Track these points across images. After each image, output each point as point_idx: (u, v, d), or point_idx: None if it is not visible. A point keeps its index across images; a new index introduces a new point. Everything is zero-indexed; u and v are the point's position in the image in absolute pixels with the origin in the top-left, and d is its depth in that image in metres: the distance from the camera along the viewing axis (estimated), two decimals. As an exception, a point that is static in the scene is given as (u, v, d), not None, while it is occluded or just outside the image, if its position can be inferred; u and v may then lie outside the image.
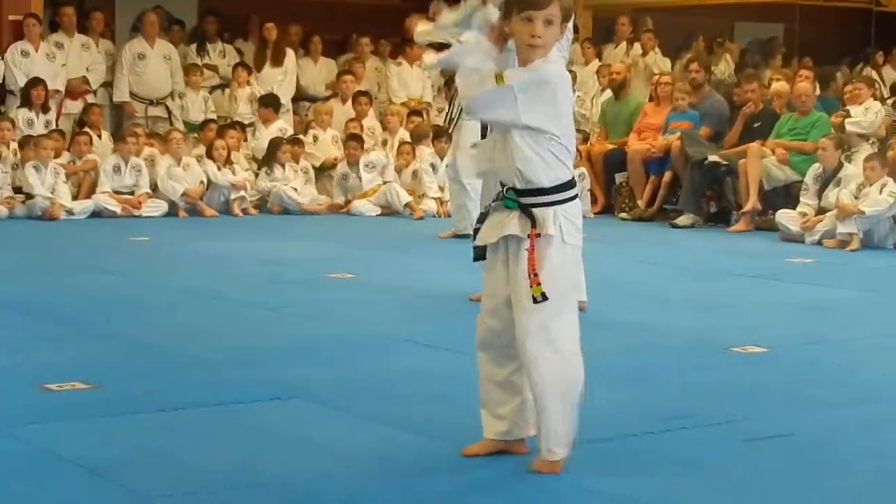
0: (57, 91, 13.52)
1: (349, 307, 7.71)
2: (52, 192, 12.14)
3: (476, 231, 4.41)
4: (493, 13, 4.31)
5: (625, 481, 4.18)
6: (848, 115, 12.51)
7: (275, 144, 13.42)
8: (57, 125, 13.24)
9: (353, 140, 13.50)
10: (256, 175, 13.48)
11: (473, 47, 4.29)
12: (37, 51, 13.61)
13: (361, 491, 4.11)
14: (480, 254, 4.35)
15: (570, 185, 4.28)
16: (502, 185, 4.32)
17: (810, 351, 6.62)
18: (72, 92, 13.72)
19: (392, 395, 5.41)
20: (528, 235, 4.17)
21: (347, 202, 13.32)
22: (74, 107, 13.63)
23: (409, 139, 13.93)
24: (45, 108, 13.27)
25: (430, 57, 4.99)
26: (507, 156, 4.21)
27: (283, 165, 13.32)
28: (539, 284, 4.12)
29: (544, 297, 4.12)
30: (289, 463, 4.42)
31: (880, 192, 10.95)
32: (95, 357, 6.04)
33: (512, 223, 4.20)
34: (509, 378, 4.38)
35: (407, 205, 13.13)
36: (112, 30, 14.80)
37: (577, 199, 4.33)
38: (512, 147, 4.19)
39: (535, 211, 4.17)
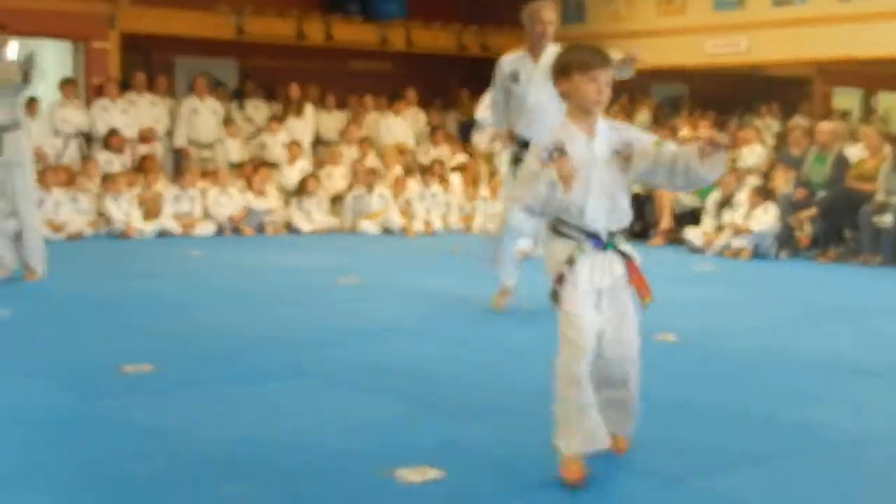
0: (131, 138, 13.51)
1: (355, 304, 7.70)
2: (126, 216, 12.16)
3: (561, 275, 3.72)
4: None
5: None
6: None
7: (304, 181, 13.47)
8: (131, 165, 13.22)
9: (372, 173, 13.60)
10: (286, 203, 13.51)
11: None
12: (115, 105, 13.61)
13: (356, 444, 4.13)
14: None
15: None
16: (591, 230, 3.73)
17: (712, 338, 6.63)
18: (142, 138, 13.69)
19: (388, 373, 5.42)
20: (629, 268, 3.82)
21: (354, 222, 13.32)
22: (145, 150, 13.60)
23: (401, 174, 13.98)
24: (121, 151, 13.27)
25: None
26: (614, 203, 3.75)
27: (309, 195, 13.34)
28: (650, 291, 3.91)
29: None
30: (302, 424, 4.44)
31: (764, 214, 11.03)
32: (160, 345, 6.03)
33: (617, 265, 3.80)
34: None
35: (402, 227, 13.16)
36: (173, 90, 14.80)
37: None
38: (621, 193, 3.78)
39: (626, 248, 3.81)
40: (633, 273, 3.84)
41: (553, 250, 3.75)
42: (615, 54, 5.68)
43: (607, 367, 3.86)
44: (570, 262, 3.69)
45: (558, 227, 3.75)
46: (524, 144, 6.55)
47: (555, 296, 3.71)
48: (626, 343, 3.90)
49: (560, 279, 3.70)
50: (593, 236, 3.73)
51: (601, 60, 3.69)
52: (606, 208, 3.74)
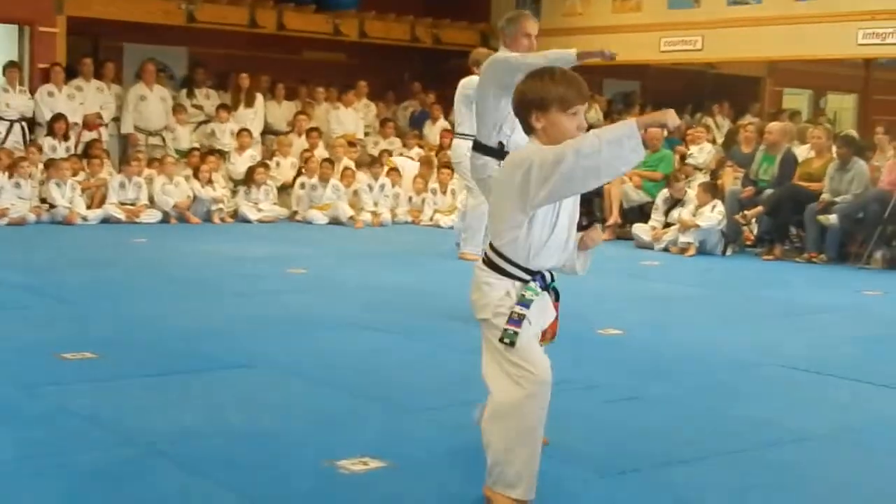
0: (76, 124, 13.38)
1: (305, 296, 7.68)
2: (70, 203, 12.06)
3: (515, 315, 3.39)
4: None
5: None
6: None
7: (252, 170, 13.45)
8: (75, 151, 13.10)
9: (328, 162, 13.58)
10: (233, 192, 13.47)
11: None
12: (60, 92, 13.47)
13: (300, 436, 4.13)
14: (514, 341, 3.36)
15: None
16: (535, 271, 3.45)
17: (656, 332, 6.68)
18: (88, 125, 13.57)
19: (336, 365, 5.41)
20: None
21: (305, 212, 13.31)
22: (90, 136, 13.48)
23: (351, 165, 13.97)
24: (66, 137, 13.15)
25: None
26: (570, 241, 3.55)
27: (258, 185, 13.31)
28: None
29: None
30: (248, 415, 4.42)
31: (712, 210, 11.12)
32: (102, 333, 5.97)
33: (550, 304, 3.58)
34: None
35: (350, 217, 13.16)
36: (120, 76, 14.66)
37: None
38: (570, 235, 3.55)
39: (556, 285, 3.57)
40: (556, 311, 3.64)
41: (491, 290, 3.44)
42: (591, 47, 5.73)
43: None
44: (526, 302, 3.40)
45: (498, 265, 3.45)
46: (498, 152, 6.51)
47: (513, 339, 3.35)
48: None
49: (520, 320, 3.38)
50: (537, 275, 3.47)
51: (581, 95, 3.41)
52: (562, 247, 3.51)
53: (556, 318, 3.61)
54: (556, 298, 3.60)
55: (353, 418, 4.42)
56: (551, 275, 3.55)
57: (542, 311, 3.50)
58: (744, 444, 4.26)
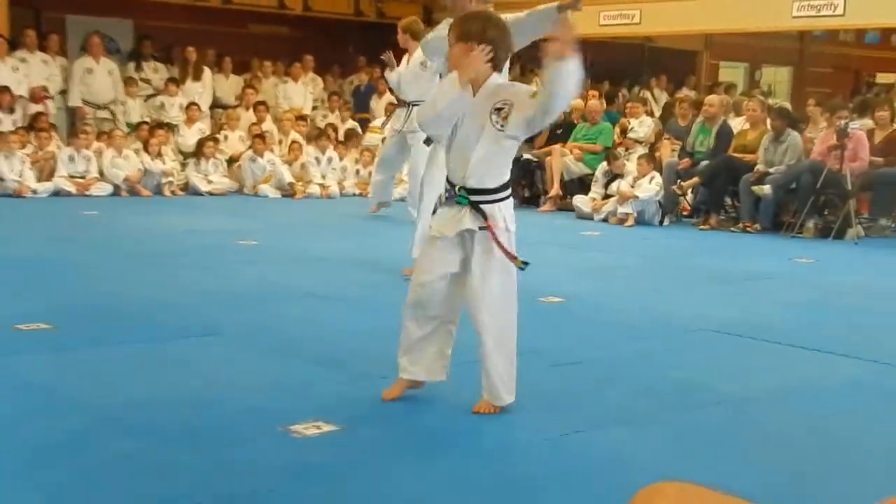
0: (21, 96, 13.23)
1: (255, 266, 7.70)
2: (19, 177, 11.94)
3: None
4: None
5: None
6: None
7: (201, 143, 13.40)
8: (22, 124, 12.96)
9: (259, 138, 13.56)
10: (183, 165, 13.43)
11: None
12: (4, 63, 13.31)
13: (256, 402, 4.17)
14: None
15: (508, 184, 4.05)
16: (451, 184, 4.03)
17: (596, 300, 6.78)
18: (34, 97, 13.42)
19: (289, 334, 5.45)
20: (487, 227, 3.94)
21: (254, 186, 13.27)
22: (36, 109, 13.33)
23: (298, 139, 13.97)
24: (11, 110, 12.98)
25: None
26: (464, 159, 3.95)
27: (207, 158, 13.27)
28: (516, 257, 3.97)
29: (526, 264, 3.97)
30: (205, 384, 4.47)
31: (650, 182, 11.24)
32: (56, 305, 5.96)
33: (465, 219, 3.98)
34: (427, 336, 4.18)
35: (290, 184, 13.18)
36: (65, 49, 14.50)
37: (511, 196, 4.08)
38: (489, 153, 3.96)
39: (485, 207, 3.95)
40: (491, 234, 3.96)
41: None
42: None
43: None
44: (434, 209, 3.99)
45: None
46: None
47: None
48: (476, 296, 4.06)
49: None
50: (453, 188, 4.02)
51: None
52: (462, 162, 3.95)
53: (503, 248, 3.96)
54: (484, 217, 3.97)
55: (306, 385, 4.47)
56: (468, 190, 3.96)
57: (448, 221, 4.01)
58: (680, 406, 4.37)
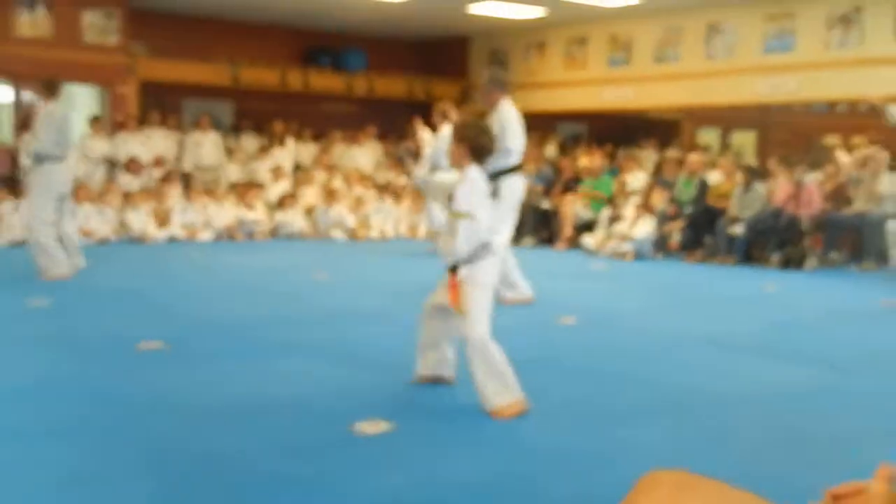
0: (146, 163, 13.35)
1: (327, 294, 7.67)
2: (143, 225, 12.02)
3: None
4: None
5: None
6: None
7: (284, 197, 13.43)
8: (146, 184, 13.06)
9: (331, 192, 13.57)
10: (270, 215, 13.46)
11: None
12: (134, 138, 13.46)
13: (328, 404, 4.11)
14: None
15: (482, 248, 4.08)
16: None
17: (604, 320, 6.68)
18: (156, 164, 13.53)
19: (356, 348, 5.40)
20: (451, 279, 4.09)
21: (326, 231, 13.26)
22: (157, 173, 13.45)
23: (361, 193, 13.97)
24: (138, 174, 13.11)
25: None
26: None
27: (288, 209, 13.30)
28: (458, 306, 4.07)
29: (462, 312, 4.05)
30: (287, 389, 4.41)
31: (645, 224, 11.14)
32: (169, 328, 5.97)
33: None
34: (436, 340, 4.41)
35: (354, 229, 13.14)
36: (181, 125, 14.65)
37: (489, 257, 4.10)
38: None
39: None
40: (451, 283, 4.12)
41: None
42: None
43: None
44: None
45: None
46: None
47: None
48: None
49: None
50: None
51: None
52: (445, 246, 4.14)
53: (454, 293, 4.11)
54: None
55: (368, 390, 4.41)
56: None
57: (442, 286, 4.20)
58: (674, 405, 4.28)
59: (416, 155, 4.88)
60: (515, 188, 7.05)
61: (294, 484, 3.13)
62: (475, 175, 4.13)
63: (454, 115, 9.98)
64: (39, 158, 8.10)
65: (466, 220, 4.00)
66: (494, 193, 6.92)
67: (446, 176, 4.71)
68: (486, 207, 4.13)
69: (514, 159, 6.96)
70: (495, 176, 6.77)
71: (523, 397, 4.04)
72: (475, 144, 4.13)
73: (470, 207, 4.03)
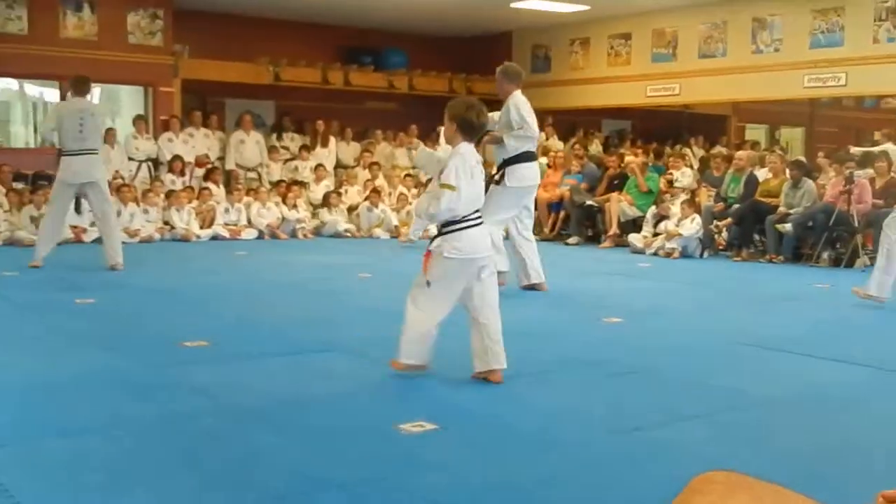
0: (189, 162, 13.49)
1: (368, 293, 7.69)
2: (187, 225, 12.14)
3: None
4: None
5: (545, 394, 4.16)
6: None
7: (327, 196, 13.49)
8: (190, 183, 13.20)
9: (374, 192, 13.61)
10: (313, 214, 13.52)
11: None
12: (177, 138, 13.61)
13: (370, 404, 4.10)
14: None
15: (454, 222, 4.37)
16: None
17: (649, 320, 6.62)
18: (198, 163, 13.67)
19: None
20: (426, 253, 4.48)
21: (369, 230, 13.29)
22: (200, 172, 13.59)
23: (404, 192, 13.99)
24: (182, 173, 13.26)
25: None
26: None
27: (331, 208, 13.35)
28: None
29: (428, 283, 4.46)
30: (329, 388, 4.41)
31: (691, 222, 11.04)
32: (213, 325, 6.01)
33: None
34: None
35: (396, 227, 13.15)
36: (223, 125, 14.78)
37: (461, 229, 4.37)
38: None
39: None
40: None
41: None
42: None
43: None
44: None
45: None
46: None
47: None
48: None
49: None
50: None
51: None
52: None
53: (426, 261, 4.54)
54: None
55: (412, 390, 4.40)
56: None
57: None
58: (720, 407, 4.22)
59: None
60: (523, 176, 7.20)
61: (336, 483, 3.13)
62: (464, 151, 4.39)
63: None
64: (58, 151, 8.66)
65: (452, 192, 4.28)
66: (500, 180, 7.11)
67: (441, 151, 5.03)
68: (470, 185, 4.36)
69: (531, 146, 7.33)
70: (505, 163, 7.07)
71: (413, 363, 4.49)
72: (463, 121, 4.38)
73: (456, 182, 4.28)
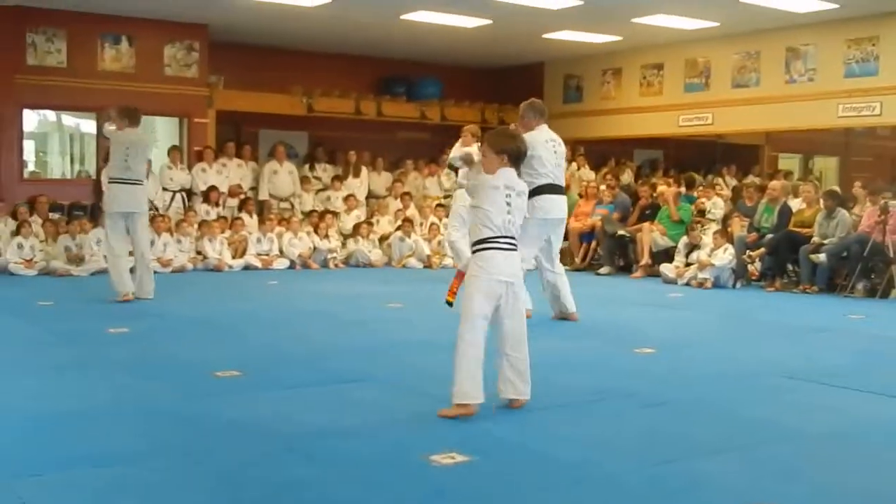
0: (223, 193, 13.63)
1: (401, 324, 7.70)
2: (219, 255, 12.23)
3: None
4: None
5: (578, 425, 4.15)
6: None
7: (358, 226, 13.57)
8: (222, 213, 13.33)
9: (406, 221, 13.67)
10: (344, 244, 13.57)
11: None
12: (211, 168, 13.76)
13: (402, 435, 4.11)
14: None
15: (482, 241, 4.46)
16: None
17: (681, 350, 6.58)
18: (231, 193, 13.80)
19: (430, 378, 5.37)
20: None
21: (401, 260, 13.33)
22: (233, 202, 13.72)
23: (435, 222, 14.02)
24: (216, 204, 13.38)
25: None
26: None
27: (362, 237, 13.41)
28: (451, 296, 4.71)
29: (449, 305, 4.67)
30: (361, 419, 4.42)
31: (724, 252, 10.98)
32: (245, 355, 6.04)
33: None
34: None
35: (428, 257, 13.19)
36: (256, 155, 14.92)
37: (486, 249, 4.44)
38: None
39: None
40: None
41: None
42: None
43: None
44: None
45: None
46: None
47: None
48: None
49: None
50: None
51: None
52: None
53: (455, 282, 4.79)
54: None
55: (443, 421, 4.39)
56: None
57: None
58: (752, 441, 4.17)
59: (469, 162, 5.17)
60: (545, 207, 7.16)
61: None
62: (503, 177, 4.46)
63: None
64: (107, 181, 8.96)
65: (482, 212, 4.42)
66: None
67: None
68: (501, 210, 4.43)
69: (544, 180, 7.28)
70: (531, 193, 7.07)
71: (473, 405, 4.38)
72: (513, 150, 4.50)
73: (488, 206, 4.40)
